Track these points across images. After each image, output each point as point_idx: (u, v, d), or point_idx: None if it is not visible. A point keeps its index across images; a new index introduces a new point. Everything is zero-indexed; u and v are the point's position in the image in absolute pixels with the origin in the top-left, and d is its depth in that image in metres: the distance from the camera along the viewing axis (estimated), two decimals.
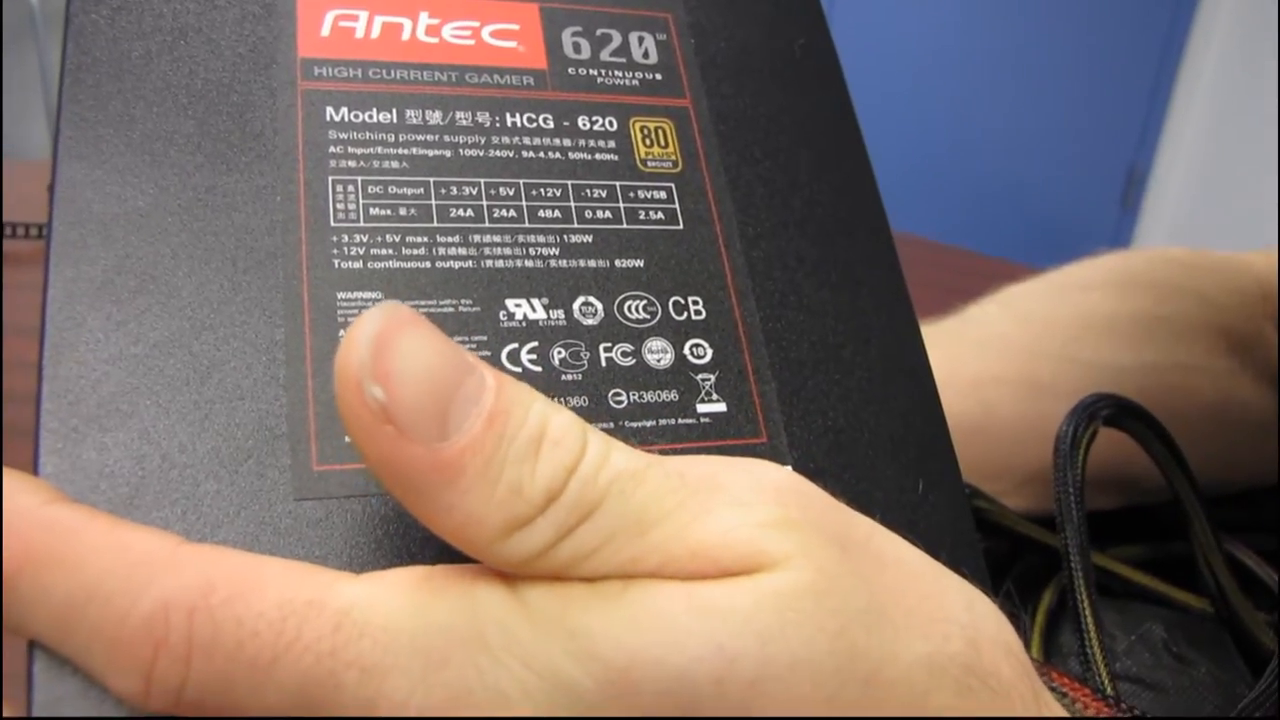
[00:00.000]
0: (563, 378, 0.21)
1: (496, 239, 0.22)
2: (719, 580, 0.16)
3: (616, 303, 0.22)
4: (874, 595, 0.17)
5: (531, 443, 0.16)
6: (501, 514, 0.16)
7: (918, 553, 0.18)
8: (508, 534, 0.16)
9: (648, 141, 0.24)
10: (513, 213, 0.22)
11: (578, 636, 0.16)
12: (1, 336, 0.56)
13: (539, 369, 0.21)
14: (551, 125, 0.24)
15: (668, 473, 0.17)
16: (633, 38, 0.25)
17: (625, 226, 0.23)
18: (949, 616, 0.17)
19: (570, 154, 0.23)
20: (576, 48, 0.25)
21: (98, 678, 0.16)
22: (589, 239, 0.22)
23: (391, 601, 0.16)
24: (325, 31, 0.23)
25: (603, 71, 0.25)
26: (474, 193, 0.22)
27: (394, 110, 0.23)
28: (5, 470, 0.16)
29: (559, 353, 0.21)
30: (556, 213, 0.23)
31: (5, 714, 0.18)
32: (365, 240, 0.21)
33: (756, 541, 0.16)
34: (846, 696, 0.16)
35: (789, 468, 0.18)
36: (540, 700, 0.15)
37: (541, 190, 0.23)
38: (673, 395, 0.21)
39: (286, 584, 0.16)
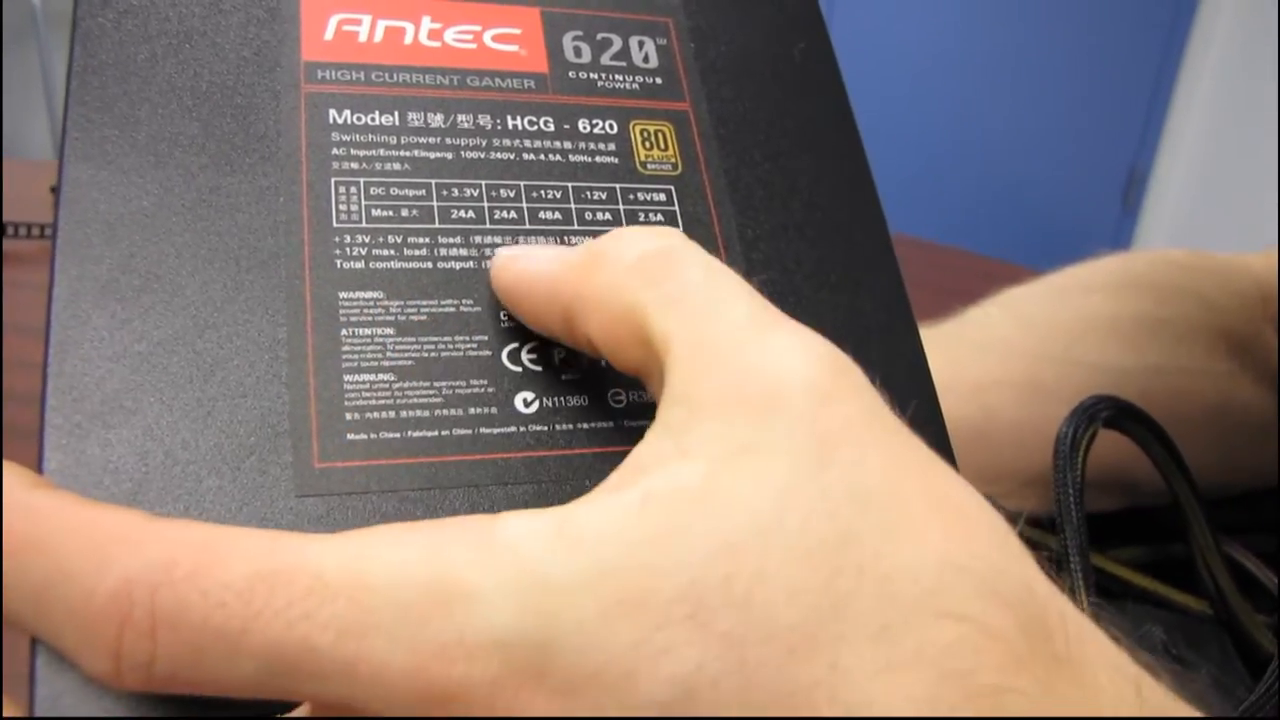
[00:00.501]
0: (562, 377, 0.21)
1: (497, 240, 0.22)
2: (727, 461, 0.16)
3: None
4: (895, 483, 0.16)
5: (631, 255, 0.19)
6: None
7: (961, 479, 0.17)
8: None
9: (648, 144, 0.24)
10: (513, 214, 0.22)
11: (585, 561, 0.15)
12: (1, 336, 0.56)
13: (539, 368, 0.21)
14: (552, 128, 0.24)
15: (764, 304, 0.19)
16: (633, 42, 0.25)
17: (625, 228, 0.23)
18: (982, 521, 0.16)
19: (571, 156, 0.23)
20: (577, 52, 0.25)
21: (71, 659, 0.16)
22: (589, 240, 0.23)
23: (367, 560, 0.15)
24: (328, 35, 0.23)
25: (603, 75, 0.25)
26: (475, 194, 0.22)
27: (396, 113, 0.23)
28: None
29: (559, 352, 0.21)
30: (557, 214, 0.23)
31: (6, 714, 0.18)
32: (367, 241, 0.21)
33: (795, 375, 0.17)
34: (842, 585, 0.15)
35: None
36: (535, 641, 0.15)
37: (542, 192, 0.23)
38: None
39: (255, 553, 0.16)
